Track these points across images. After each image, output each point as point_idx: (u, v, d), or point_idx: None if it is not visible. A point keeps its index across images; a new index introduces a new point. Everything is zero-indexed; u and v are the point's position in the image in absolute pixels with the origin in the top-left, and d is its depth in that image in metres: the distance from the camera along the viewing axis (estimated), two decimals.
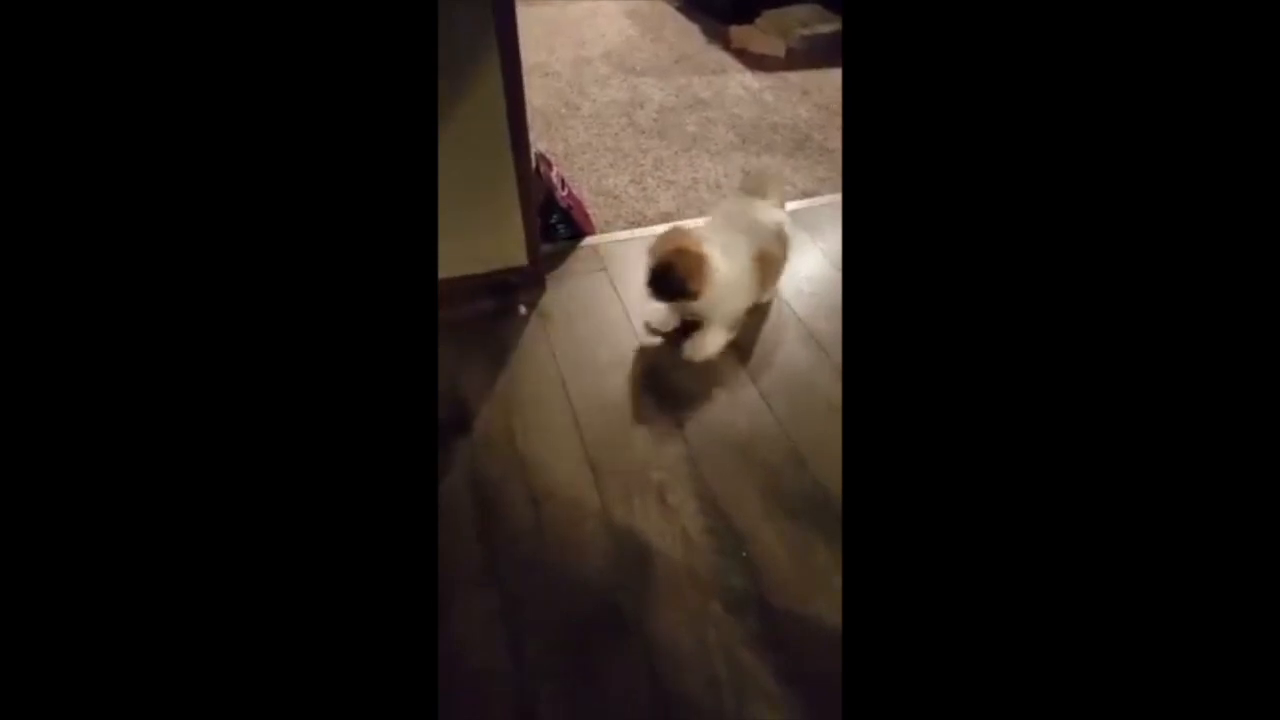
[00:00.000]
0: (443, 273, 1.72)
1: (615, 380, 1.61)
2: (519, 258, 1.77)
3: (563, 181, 2.04)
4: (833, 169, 2.47)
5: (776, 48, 3.34)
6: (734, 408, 1.54)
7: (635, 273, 1.90)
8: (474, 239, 1.72)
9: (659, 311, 1.70)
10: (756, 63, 3.30)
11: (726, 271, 1.55)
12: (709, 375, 1.62)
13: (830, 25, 3.37)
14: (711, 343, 1.63)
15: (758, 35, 3.40)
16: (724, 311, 1.61)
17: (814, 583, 1.21)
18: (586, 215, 2.08)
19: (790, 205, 2.23)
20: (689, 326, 1.67)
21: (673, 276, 1.51)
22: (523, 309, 1.78)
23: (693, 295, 1.53)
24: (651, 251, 1.57)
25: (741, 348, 1.68)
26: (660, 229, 2.10)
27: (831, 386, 1.59)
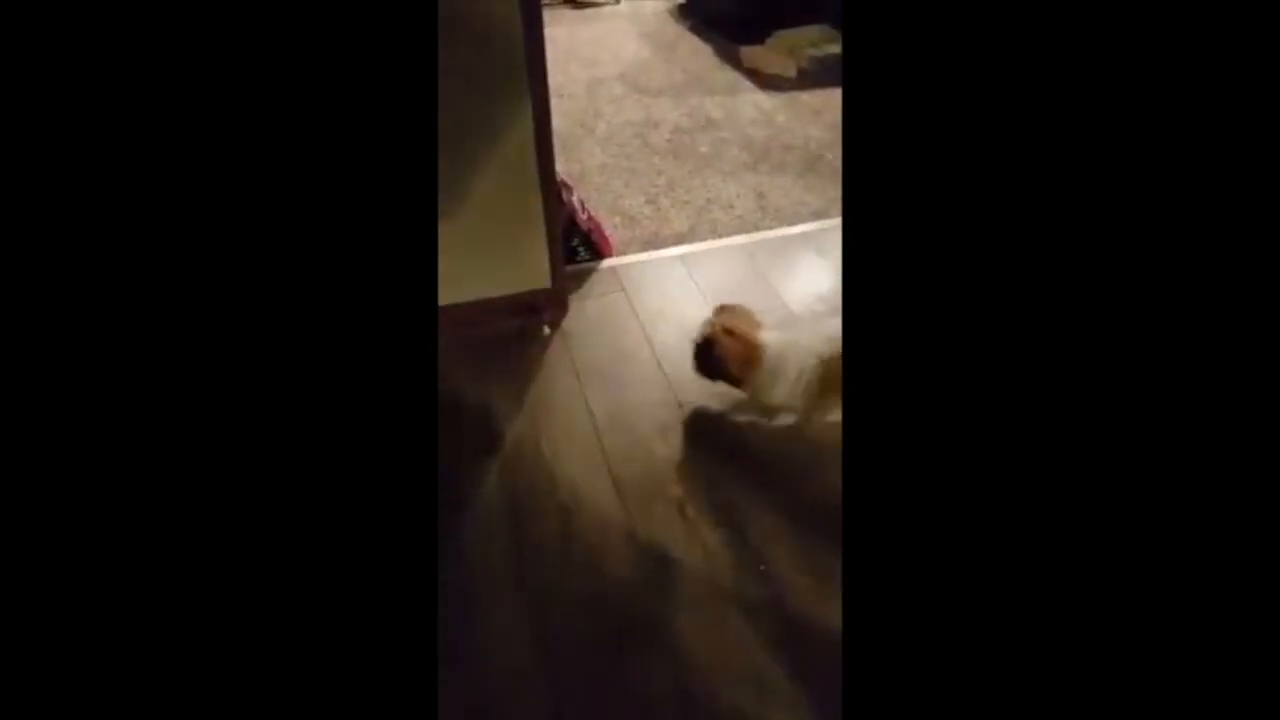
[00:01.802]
0: (471, 295, 1.80)
1: (635, 397, 1.67)
2: (543, 280, 1.85)
3: (582, 205, 2.12)
4: None
5: (787, 68, 3.42)
6: (752, 423, 1.61)
7: (652, 294, 1.99)
8: (501, 262, 1.80)
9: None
10: (768, 83, 3.38)
11: (778, 367, 1.43)
12: (726, 391, 1.69)
13: (839, 46, 3.45)
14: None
15: (768, 56, 3.49)
16: (771, 404, 1.47)
17: (829, 589, 1.27)
18: (605, 237, 2.16)
19: (802, 227, 2.31)
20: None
21: (714, 355, 1.45)
22: (547, 329, 1.86)
23: (734, 380, 1.46)
24: (704, 324, 1.49)
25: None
26: (677, 251, 2.19)
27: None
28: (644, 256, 2.16)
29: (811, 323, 1.49)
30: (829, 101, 3.18)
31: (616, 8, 4.53)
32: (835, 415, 1.50)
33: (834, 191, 2.52)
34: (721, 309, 1.53)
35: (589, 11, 4.42)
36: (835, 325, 1.45)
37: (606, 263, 2.11)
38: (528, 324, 1.86)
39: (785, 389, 1.44)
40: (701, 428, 1.60)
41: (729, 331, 1.45)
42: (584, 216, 2.09)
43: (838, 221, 2.33)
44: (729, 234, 2.28)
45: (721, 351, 1.44)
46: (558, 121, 3.02)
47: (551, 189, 1.73)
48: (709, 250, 2.20)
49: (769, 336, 1.47)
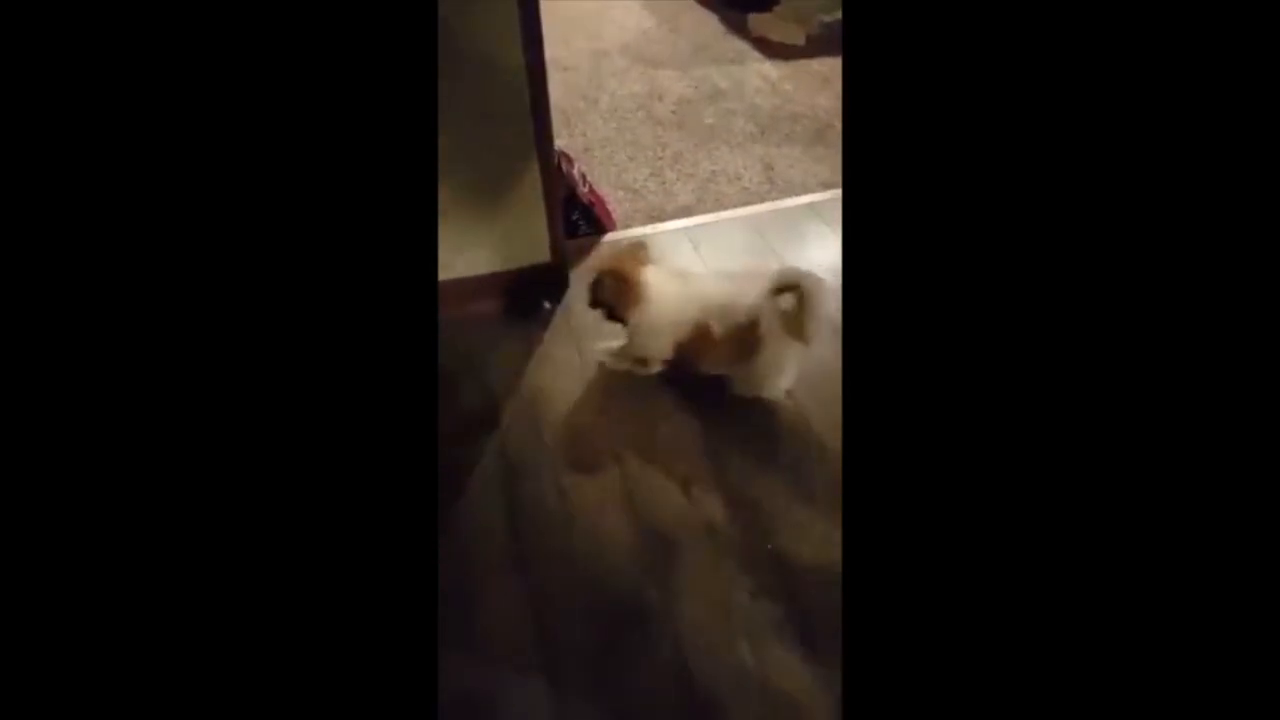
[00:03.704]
0: (469, 270, 1.76)
1: (638, 376, 1.63)
2: (543, 255, 1.81)
3: (583, 178, 2.07)
4: None
5: (796, 36, 3.32)
6: (756, 399, 1.56)
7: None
8: (500, 236, 1.75)
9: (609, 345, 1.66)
10: (776, 51, 3.28)
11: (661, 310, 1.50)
12: (731, 367, 1.64)
13: None
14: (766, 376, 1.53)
15: (776, 23, 3.38)
16: (646, 344, 1.56)
17: (837, 570, 1.24)
18: (607, 211, 2.11)
19: (811, 197, 2.24)
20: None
21: (597, 296, 1.53)
22: (547, 305, 1.82)
23: (619, 317, 1.53)
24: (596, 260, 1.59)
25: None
26: (679, 224, 2.13)
27: None
28: (648, 230, 2.11)
29: (704, 279, 1.57)
30: (838, 69, 3.08)
31: None
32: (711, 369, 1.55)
33: None
34: (615, 250, 1.59)
35: None
36: (728, 287, 1.52)
37: (609, 236, 2.06)
38: (529, 299, 1.82)
39: (655, 343, 1.54)
40: (705, 402, 1.55)
41: (613, 271, 1.51)
42: (584, 190, 2.03)
43: None
44: (735, 206, 2.22)
45: (603, 292, 1.51)
46: (560, 94, 2.96)
47: (550, 162, 1.68)
48: (715, 223, 2.14)
49: (654, 276, 1.51)
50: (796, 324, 1.40)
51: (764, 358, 1.45)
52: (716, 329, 1.46)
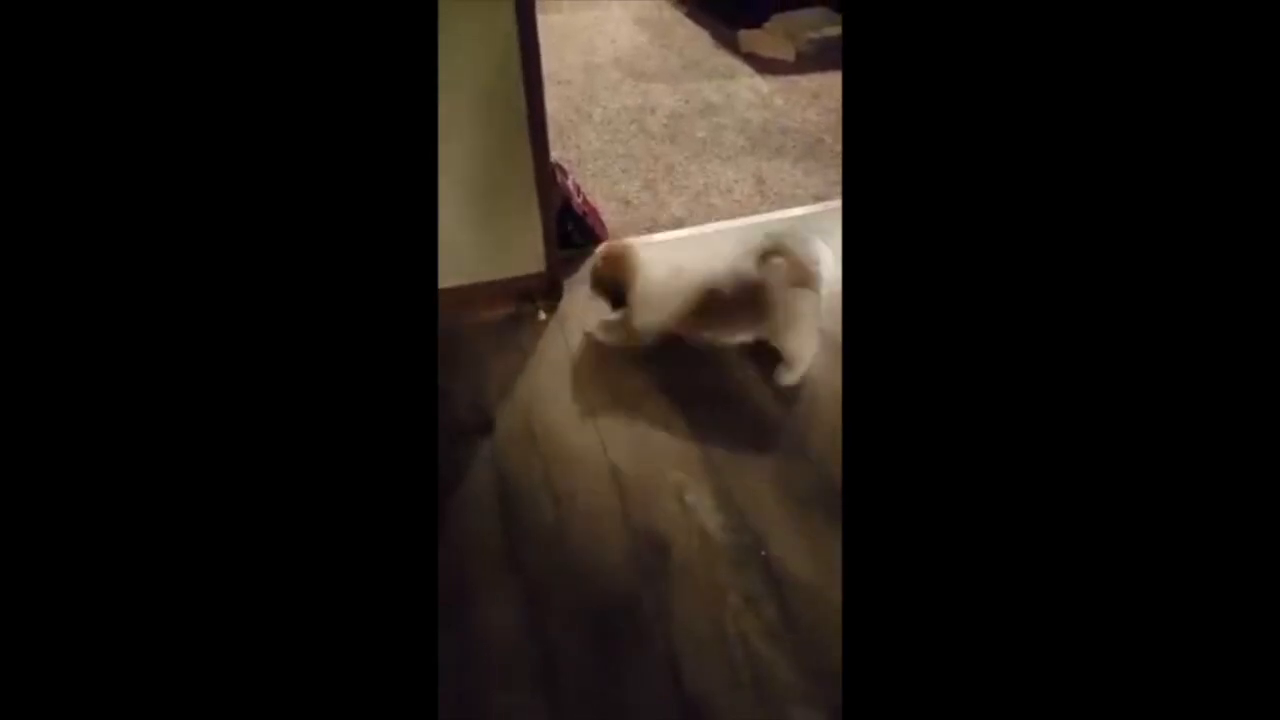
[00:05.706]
0: (465, 279, 1.77)
1: (631, 382, 1.65)
2: (538, 264, 1.82)
3: (578, 189, 2.09)
4: None
5: (786, 51, 3.38)
6: (748, 406, 1.58)
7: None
8: (495, 246, 1.77)
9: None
10: (766, 66, 3.33)
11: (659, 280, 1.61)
12: (723, 375, 1.66)
13: (839, 28, 3.40)
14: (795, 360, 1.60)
15: (767, 39, 3.44)
16: (644, 316, 1.64)
17: (829, 575, 1.25)
18: (601, 222, 2.13)
19: (801, 210, 2.27)
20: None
21: (599, 281, 1.66)
22: (541, 314, 1.83)
23: (624, 289, 1.62)
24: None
25: (756, 348, 1.72)
26: (672, 235, 2.16)
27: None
28: (640, 240, 2.13)
29: (698, 261, 1.66)
30: (827, 84, 3.13)
31: None
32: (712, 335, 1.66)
33: (833, 174, 2.49)
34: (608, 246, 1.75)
35: None
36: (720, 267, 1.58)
37: (602, 247, 2.08)
38: (522, 308, 1.84)
39: (654, 316, 1.62)
40: (698, 405, 1.57)
41: (607, 253, 1.67)
42: (579, 201, 2.06)
43: (837, 204, 2.29)
44: (727, 218, 2.25)
45: (599, 273, 1.65)
46: (554, 108, 2.98)
47: (545, 173, 1.71)
48: (706, 235, 2.17)
49: (649, 253, 1.64)
50: (798, 273, 1.49)
51: (781, 311, 1.52)
52: (727, 290, 1.53)
